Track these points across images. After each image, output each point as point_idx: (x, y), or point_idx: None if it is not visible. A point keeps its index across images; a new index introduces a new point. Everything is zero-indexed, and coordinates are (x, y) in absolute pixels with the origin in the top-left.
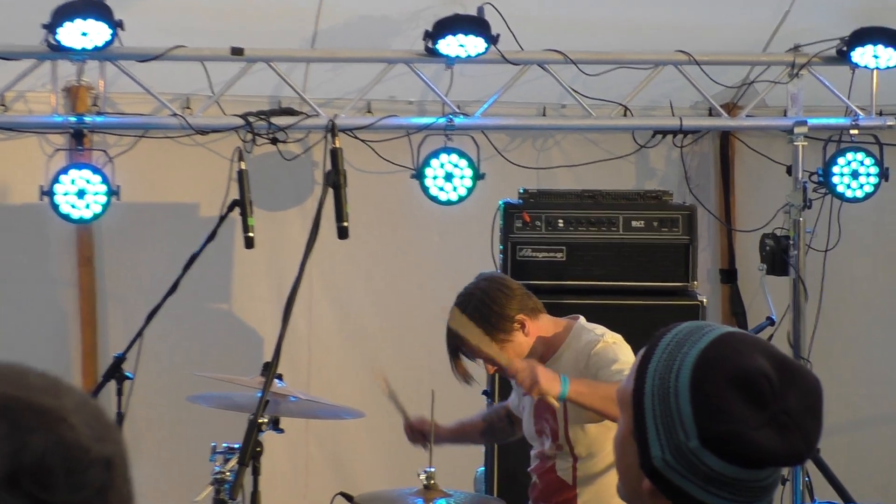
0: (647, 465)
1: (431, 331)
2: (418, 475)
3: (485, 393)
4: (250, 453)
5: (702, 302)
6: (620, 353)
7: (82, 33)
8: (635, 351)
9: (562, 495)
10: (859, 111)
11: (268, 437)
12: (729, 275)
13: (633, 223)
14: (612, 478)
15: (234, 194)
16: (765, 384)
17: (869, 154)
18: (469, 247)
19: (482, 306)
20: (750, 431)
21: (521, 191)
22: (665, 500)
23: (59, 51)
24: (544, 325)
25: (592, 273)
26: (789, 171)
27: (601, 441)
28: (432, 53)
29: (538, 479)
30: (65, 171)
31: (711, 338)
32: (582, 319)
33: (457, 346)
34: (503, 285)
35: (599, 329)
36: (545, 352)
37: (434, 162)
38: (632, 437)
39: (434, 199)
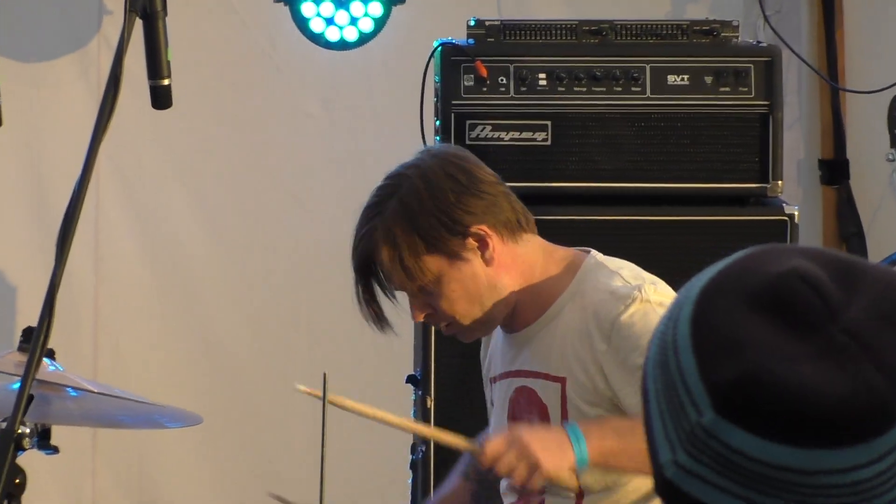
0: (660, 485)
1: (310, 273)
2: None
3: (410, 380)
4: (3, 488)
5: (790, 216)
6: None
7: None
8: None
9: None
10: None
11: (31, 461)
12: (836, 169)
13: (670, 79)
14: None
15: None
16: (806, 292)
17: None
18: (378, 125)
19: (414, 198)
20: (782, 366)
21: (472, 22)
22: None
23: None
24: (529, 255)
25: (598, 168)
26: None
27: None
28: None
29: None
30: None
31: (734, 258)
32: (595, 254)
33: (367, 265)
34: (460, 167)
35: (628, 270)
36: (531, 306)
37: None
38: (650, 467)
39: (317, 38)
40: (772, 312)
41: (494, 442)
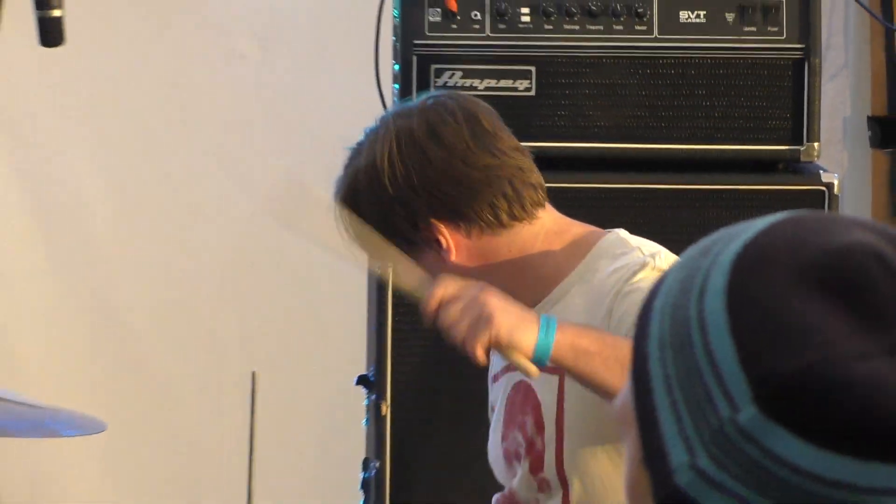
0: (666, 493)
1: (244, 248)
2: None
3: (362, 381)
4: None
5: (829, 186)
6: None
7: None
8: None
9: None
10: None
11: None
12: (889, 129)
13: (683, 15)
14: None
15: None
16: (879, 273)
17: None
18: (324, 68)
19: (361, 182)
20: (855, 363)
21: None
22: None
23: None
24: (520, 242)
25: (593, 125)
26: None
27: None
28: None
29: None
30: None
31: (768, 223)
32: (619, 232)
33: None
34: (415, 143)
35: (650, 246)
36: (531, 290)
37: None
38: (643, 468)
39: None
40: (836, 294)
41: (445, 284)
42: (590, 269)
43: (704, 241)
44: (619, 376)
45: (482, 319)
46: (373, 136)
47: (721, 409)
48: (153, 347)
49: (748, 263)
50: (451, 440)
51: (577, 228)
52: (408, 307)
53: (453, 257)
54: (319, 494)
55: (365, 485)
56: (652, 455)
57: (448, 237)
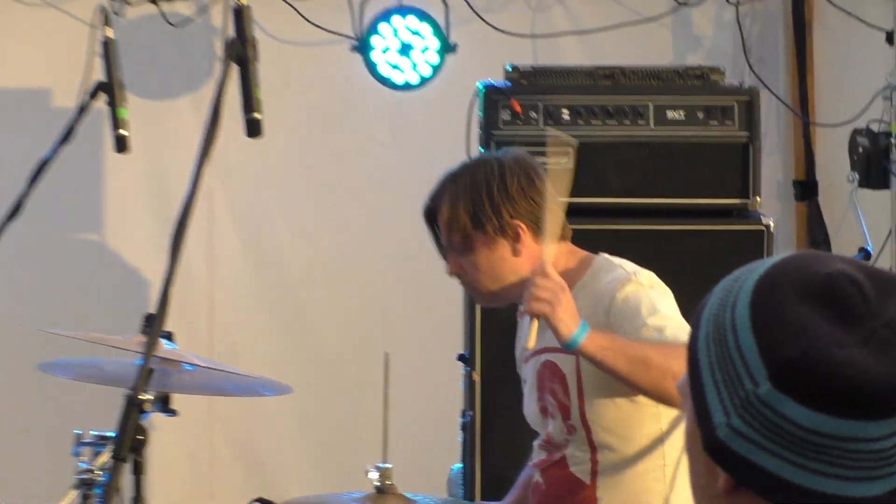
0: (711, 443)
1: (383, 270)
2: (367, 473)
3: (461, 358)
4: (129, 444)
5: (767, 226)
6: (661, 303)
7: None
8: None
9: (575, 498)
10: None
11: (155, 423)
12: (806, 188)
13: (669, 114)
14: (647, 469)
15: (98, 75)
16: (852, 291)
17: None
18: (435, 149)
19: (484, 182)
20: (835, 350)
21: (510, 68)
22: (747, 497)
23: None
24: (555, 255)
25: (610, 186)
26: (890, 38)
27: (632, 421)
28: None
29: (542, 477)
30: None
31: (779, 258)
32: (604, 255)
33: (431, 216)
34: (528, 175)
35: (628, 264)
36: None
37: (384, 28)
38: (696, 426)
39: (385, 80)
40: (823, 305)
41: (544, 281)
42: (591, 279)
43: (736, 273)
44: (625, 366)
45: (550, 305)
46: (486, 157)
47: (747, 384)
48: (323, 338)
49: (764, 286)
50: (521, 397)
51: (580, 252)
52: (491, 310)
53: (521, 254)
54: (432, 433)
55: (463, 427)
56: (701, 417)
57: (525, 236)
